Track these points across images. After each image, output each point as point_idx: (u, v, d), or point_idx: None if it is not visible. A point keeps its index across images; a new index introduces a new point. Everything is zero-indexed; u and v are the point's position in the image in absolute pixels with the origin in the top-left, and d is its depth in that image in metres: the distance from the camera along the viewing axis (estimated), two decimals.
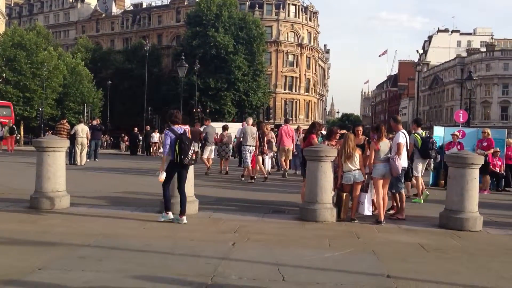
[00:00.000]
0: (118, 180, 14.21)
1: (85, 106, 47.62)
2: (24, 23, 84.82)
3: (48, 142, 8.49)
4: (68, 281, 4.52)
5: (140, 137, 33.20)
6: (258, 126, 15.30)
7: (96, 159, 20.81)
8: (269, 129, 16.01)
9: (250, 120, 15.44)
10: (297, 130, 17.76)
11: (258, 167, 14.72)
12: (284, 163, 16.53)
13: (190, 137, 7.51)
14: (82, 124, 19.45)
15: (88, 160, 19.53)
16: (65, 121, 19.31)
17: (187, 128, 7.58)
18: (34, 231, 6.59)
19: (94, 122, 23.22)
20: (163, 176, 7.42)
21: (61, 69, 47.95)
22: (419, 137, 11.39)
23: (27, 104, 45.48)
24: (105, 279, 4.64)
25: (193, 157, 7.55)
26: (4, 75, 44.64)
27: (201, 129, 16.35)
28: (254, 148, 14.42)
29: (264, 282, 4.70)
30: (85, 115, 44.94)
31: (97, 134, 21.08)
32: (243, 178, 14.46)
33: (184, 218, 7.42)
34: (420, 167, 11.38)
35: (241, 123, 19.11)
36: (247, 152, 14.42)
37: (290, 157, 16.90)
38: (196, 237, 6.53)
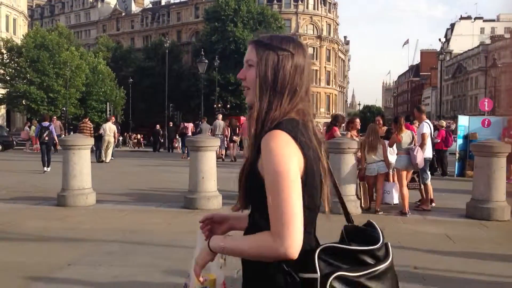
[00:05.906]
0: (142, 176, 14.37)
1: (108, 105, 48.11)
2: (46, 24, 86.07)
3: (73, 140, 8.63)
4: (97, 276, 4.61)
5: (162, 133, 33.49)
6: (230, 121, 20.77)
7: (112, 157, 20.59)
8: None
9: (220, 116, 20.59)
10: None
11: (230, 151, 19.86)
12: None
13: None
14: (109, 123, 19.67)
15: (112, 158, 19.73)
16: (87, 119, 19.56)
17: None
18: (62, 228, 6.73)
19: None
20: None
21: (83, 68, 48.48)
22: None
23: (52, 104, 46.04)
24: (133, 274, 4.71)
25: (46, 138, 14.61)
26: (28, 76, 45.33)
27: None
28: (222, 136, 19.08)
29: None
30: (108, 113, 45.36)
31: None
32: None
33: (46, 169, 14.36)
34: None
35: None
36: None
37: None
38: None
